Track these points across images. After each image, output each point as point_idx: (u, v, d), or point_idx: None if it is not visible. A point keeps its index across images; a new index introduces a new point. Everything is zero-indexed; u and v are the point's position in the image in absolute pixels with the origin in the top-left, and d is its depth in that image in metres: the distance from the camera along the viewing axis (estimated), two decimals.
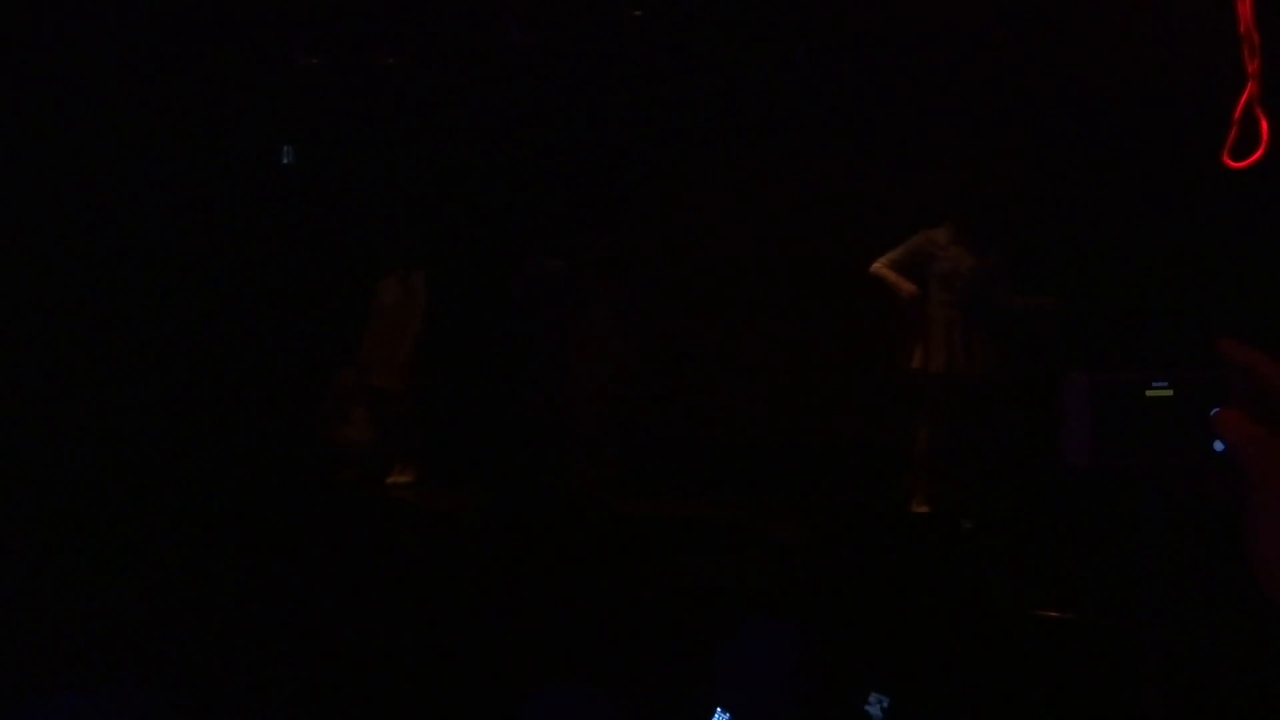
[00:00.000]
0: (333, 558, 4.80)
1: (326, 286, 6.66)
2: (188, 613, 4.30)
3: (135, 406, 5.84)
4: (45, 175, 5.68)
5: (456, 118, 6.82)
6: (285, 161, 6.92)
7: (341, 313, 6.46)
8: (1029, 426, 4.54)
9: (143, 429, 5.81)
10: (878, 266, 4.96)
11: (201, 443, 5.93)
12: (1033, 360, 4.80)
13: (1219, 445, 0.69)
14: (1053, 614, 3.64)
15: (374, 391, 6.26)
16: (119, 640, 3.96)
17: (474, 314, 6.68)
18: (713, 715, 2.20)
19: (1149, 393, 0.72)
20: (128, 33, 5.34)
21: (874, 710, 2.61)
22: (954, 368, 4.78)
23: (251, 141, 6.68)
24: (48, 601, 4.22)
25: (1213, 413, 0.70)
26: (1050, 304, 4.76)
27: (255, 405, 6.27)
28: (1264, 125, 3.23)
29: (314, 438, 6.45)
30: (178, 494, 5.38)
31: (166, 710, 1.80)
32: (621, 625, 4.08)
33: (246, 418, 6.19)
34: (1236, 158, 3.29)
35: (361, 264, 6.46)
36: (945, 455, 4.85)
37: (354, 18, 5.60)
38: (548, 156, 6.82)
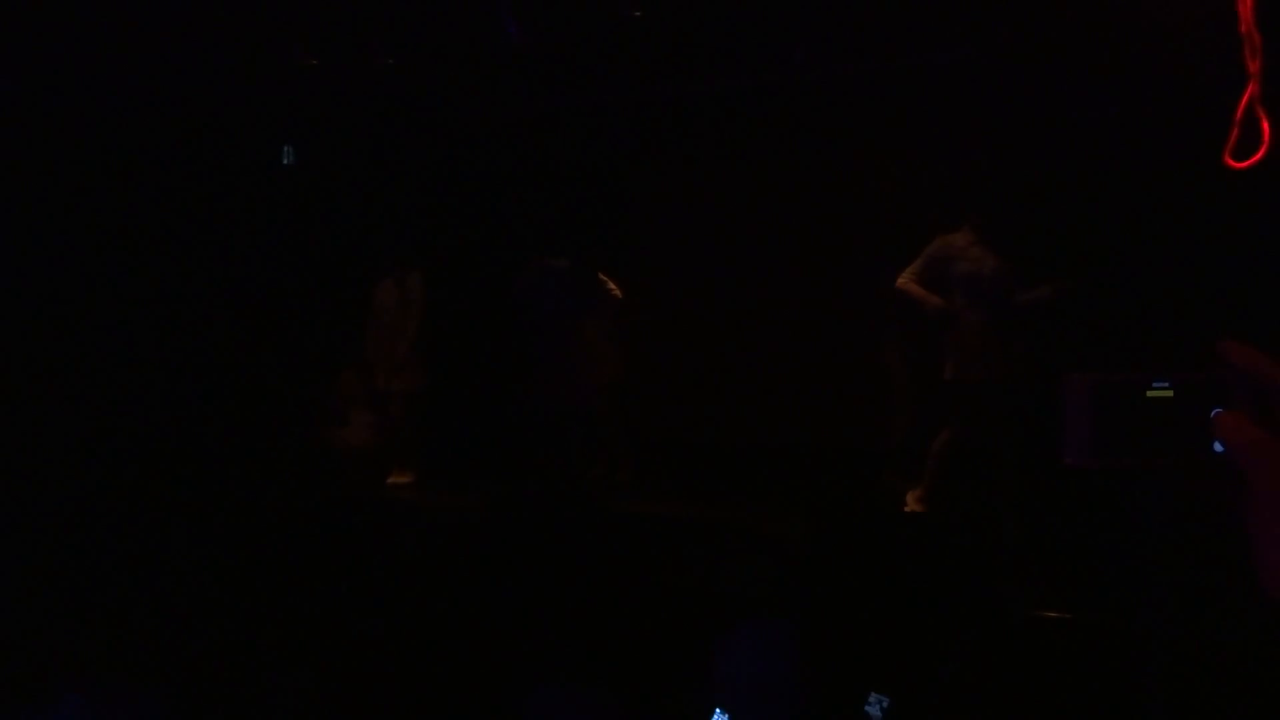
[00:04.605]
0: (333, 558, 4.80)
1: (326, 287, 6.66)
2: (188, 613, 4.30)
3: (136, 407, 5.84)
4: (45, 175, 5.67)
5: (456, 118, 6.82)
6: (285, 161, 6.92)
7: (341, 314, 6.45)
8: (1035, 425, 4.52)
9: (143, 430, 5.81)
10: (903, 282, 4.81)
11: (202, 444, 5.92)
12: (1047, 355, 4.76)
13: (1219, 446, 0.69)
14: (1053, 614, 3.64)
15: (374, 392, 6.27)
16: (119, 640, 3.96)
17: (474, 314, 6.68)
18: (712, 715, 2.20)
19: (1149, 393, 0.72)
20: (128, 32, 5.34)
21: (874, 710, 2.61)
22: (991, 376, 4.66)
23: (251, 141, 6.67)
24: (48, 601, 4.22)
25: (1213, 414, 0.69)
26: (1049, 292, 4.72)
27: (255, 406, 6.27)
28: (1265, 125, 3.23)
29: (314, 439, 6.45)
30: (179, 495, 5.38)
31: (166, 710, 1.80)
32: (621, 625, 4.08)
33: (247, 418, 6.19)
34: (1238, 158, 3.29)
35: (362, 265, 6.46)
36: (962, 458, 4.78)
37: (354, 18, 5.60)
38: (548, 157, 6.81)
